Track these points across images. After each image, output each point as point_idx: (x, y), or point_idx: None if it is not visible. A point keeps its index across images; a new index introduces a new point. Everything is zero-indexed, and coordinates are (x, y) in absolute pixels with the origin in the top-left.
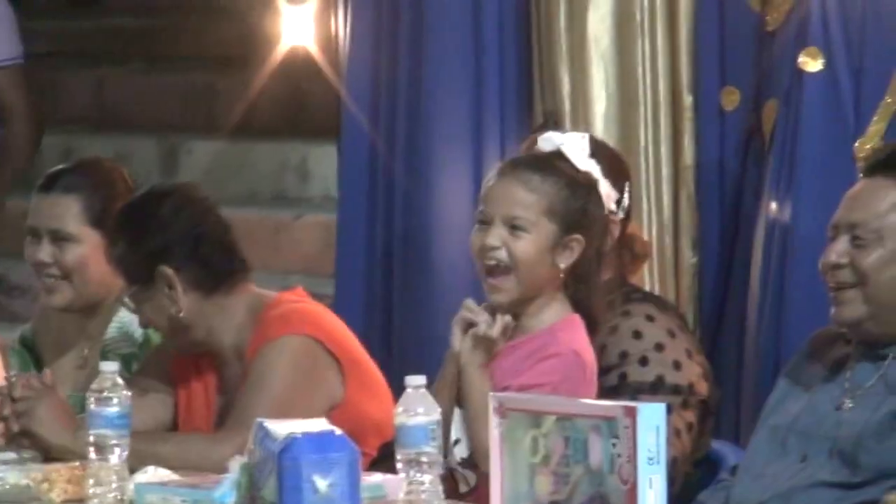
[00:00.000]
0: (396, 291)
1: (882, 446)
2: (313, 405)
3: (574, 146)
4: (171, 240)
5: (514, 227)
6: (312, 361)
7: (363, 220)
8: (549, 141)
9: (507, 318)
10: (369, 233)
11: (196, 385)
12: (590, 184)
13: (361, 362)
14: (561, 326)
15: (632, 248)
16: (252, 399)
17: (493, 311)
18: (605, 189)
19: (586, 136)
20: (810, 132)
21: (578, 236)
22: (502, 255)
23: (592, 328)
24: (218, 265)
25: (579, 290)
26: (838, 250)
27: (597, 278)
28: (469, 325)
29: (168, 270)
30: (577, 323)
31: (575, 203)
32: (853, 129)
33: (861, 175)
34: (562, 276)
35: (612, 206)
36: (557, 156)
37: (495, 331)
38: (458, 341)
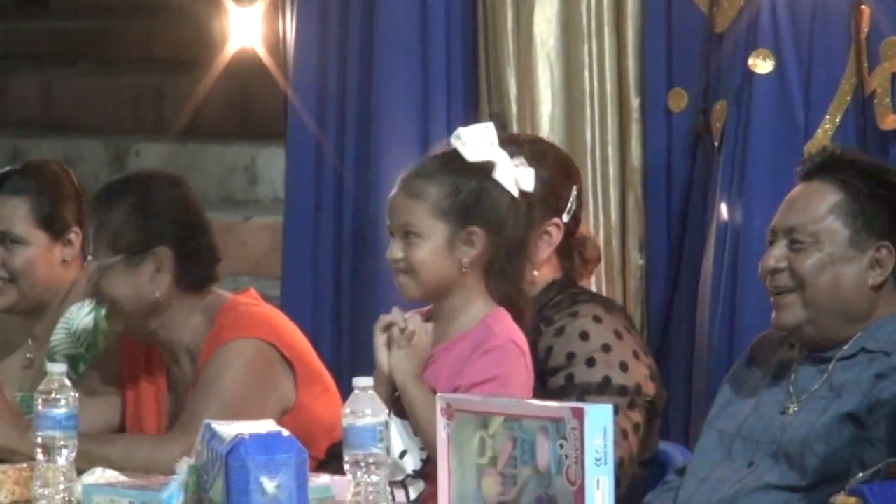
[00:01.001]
0: (344, 293)
1: (828, 449)
2: (266, 410)
3: (472, 136)
4: (178, 225)
5: (408, 235)
6: (266, 366)
7: (310, 222)
8: (454, 137)
9: (417, 316)
10: (316, 235)
11: (146, 386)
12: (482, 173)
13: (314, 366)
14: (492, 318)
15: (583, 252)
16: (203, 402)
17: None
18: (507, 173)
19: (490, 125)
20: (761, 133)
21: (475, 228)
22: (403, 265)
23: (519, 321)
24: (204, 263)
25: (500, 285)
26: (776, 255)
27: (517, 269)
28: (389, 337)
29: (169, 252)
30: (505, 313)
31: (462, 196)
32: (804, 130)
33: (798, 179)
34: (465, 269)
35: (526, 188)
36: (446, 154)
37: (411, 324)
38: (386, 360)
